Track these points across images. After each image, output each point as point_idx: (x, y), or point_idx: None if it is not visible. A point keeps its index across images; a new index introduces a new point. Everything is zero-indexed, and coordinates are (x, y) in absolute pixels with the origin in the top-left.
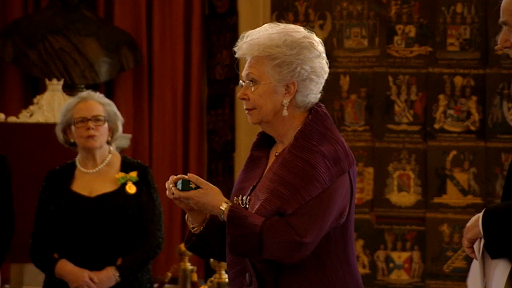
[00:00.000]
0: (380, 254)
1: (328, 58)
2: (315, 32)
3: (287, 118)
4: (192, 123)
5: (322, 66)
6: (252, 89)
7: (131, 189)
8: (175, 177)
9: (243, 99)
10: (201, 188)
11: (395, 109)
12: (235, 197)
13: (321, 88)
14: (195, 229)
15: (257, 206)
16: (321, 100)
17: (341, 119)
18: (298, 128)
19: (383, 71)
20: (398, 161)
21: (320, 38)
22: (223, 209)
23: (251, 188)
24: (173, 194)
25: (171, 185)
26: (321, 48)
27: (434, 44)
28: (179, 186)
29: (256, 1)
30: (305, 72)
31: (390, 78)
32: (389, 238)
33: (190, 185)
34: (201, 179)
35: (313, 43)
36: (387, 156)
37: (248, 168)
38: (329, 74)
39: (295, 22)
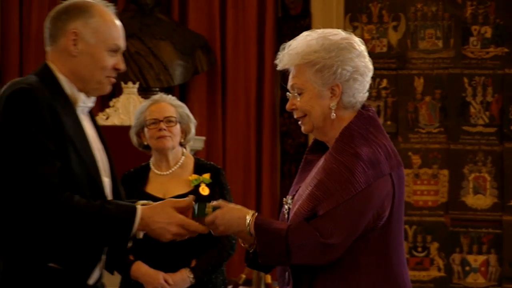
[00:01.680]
0: (456, 257)
1: (402, 60)
2: (389, 34)
3: (336, 121)
4: (265, 125)
5: (366, 64)
6: (298, 99)
7: (204, 191)
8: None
9: (292, 109)
10: (221, 207)
11: (471, 110)
12: (284, 198)
13: (367, 86)
14: (249, 248)
15: (295, 209)
16: (395, 102)
17: (415, 121)
18: None
19: (458, 73)
20: (473, 163)
21: (394, 40)
22: (249, 218)
23: (297, 190)
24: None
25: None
26: (361, 47)
27: (510, 45)
28: (196, 211)
29: (329, 3)
30: (347, 73)
31: (466, 80)
32: (465, 241)
33: (206, 210)
34: (219, 201)
35: (352, 43)
36: (462, 158)
37: (301, 171)
38: (403, 75)
39: (368, 23)
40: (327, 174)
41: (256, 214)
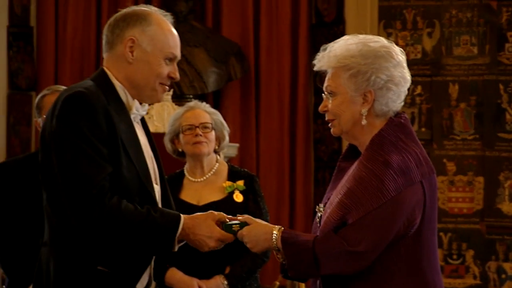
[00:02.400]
0: (492, 265)
1: (436, 66)
2: (423, 40)
3: (366, 127)
4: (299, 132)
5: (402, 75)
6: (330, 101)
7: (238, 197)
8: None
9: (324, 111)
10: (248, 224)
11: (506, 117)
12: (317, 205)
13: (402, 96)
14: (282, 260)
15: (325, 217)
16: (429, 108)
17: (450, 127)
18: None
19: (493, 79)
20: (509, 170)
21: (428, 46)
22: (276, 232)
23: (329, 197)
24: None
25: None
26: (400, 57)
27: None
28: (223, 229)
29: (363, 10)
30: (381, 81)
31: (501, 86)
32: (501, 248)
33: (233, 228)
34: (246, 216)
35: (390, 52)
36: (497, 165)
37: (334, 178)
38: (437, 82)
39: (402, 30)
40: (357, 182)
41: (283, 228)
